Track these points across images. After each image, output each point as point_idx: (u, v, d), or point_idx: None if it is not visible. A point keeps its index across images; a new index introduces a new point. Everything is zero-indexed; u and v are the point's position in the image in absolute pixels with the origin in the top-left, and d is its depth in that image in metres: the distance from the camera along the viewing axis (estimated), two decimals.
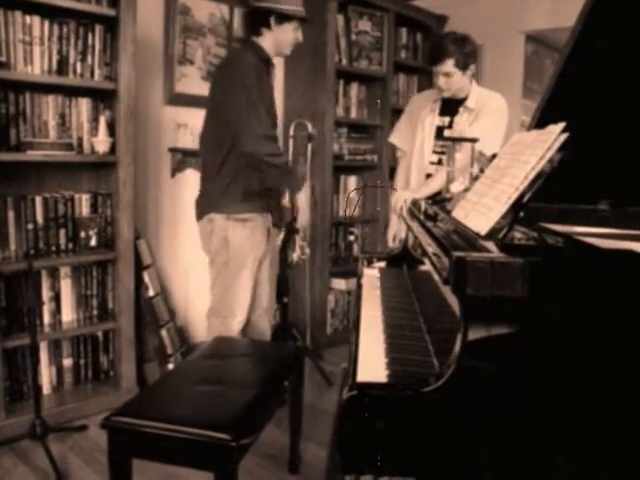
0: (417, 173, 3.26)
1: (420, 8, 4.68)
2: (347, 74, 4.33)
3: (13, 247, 2.86)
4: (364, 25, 4.36)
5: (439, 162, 3.17)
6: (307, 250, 3.93)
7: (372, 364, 1.39)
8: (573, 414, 1.14)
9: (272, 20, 2.70)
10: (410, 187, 3.29)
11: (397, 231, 3.32)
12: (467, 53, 3.02)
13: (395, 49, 4.59)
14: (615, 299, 1.13)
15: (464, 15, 4.84)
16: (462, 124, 3.10)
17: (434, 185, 3.05)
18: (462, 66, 3.01)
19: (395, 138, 3.52)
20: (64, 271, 3.07)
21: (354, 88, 4.46)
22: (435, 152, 3.19)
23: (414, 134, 3.30)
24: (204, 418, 1.82)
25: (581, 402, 1.13)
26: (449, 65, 2.99)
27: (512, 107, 4.79)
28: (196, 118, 3.70)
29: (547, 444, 1.13)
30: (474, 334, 1.12)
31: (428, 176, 3.18)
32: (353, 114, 4.47)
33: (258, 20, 2.75)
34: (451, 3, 4.84)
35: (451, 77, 3.02)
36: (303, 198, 3.02)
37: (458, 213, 1.73)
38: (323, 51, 3.98)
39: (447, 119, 3.17)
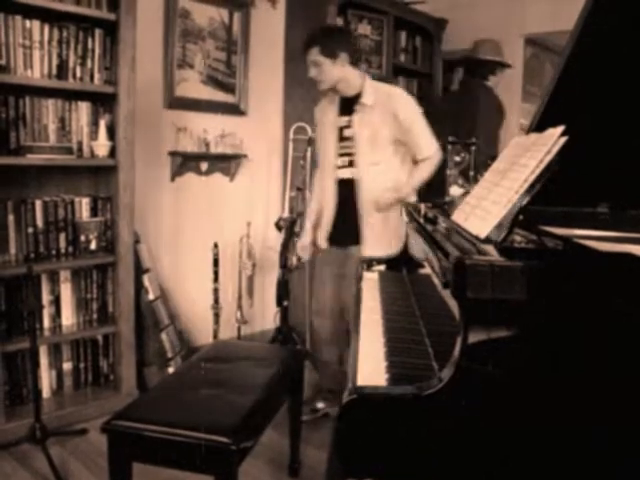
0: (328, 178, 3.04)
1: (419, 12, 4.69)
2: None
3: (13, 251, 2.86)
4: (364, 29, 4.37)
5: (350, 164, 2.97)
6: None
7: (372, 367, 1.39)
8: (574, 416, 1.14)
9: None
10: (324, 196, 3.08)
11: (304, 246, 3.18)
12: (336, 41, 2.88)
13: (395, 52, 4.61)
14: (615, 302, 1.13)
15: (463, 18, 4.85)
16: (361, 122, 2.92)
17: (415, 180, 2.97)
18: (329, 54, 2.83)
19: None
20: (64, 275, 3.07)
21: None
22: (341, 154, 2.99)
23: (320, 139, 3.14)
24: (204, 422, 1.82)
25: (582, 404, 1.13)
26: (315, 53, 2.83)
27: (511, 110, 4.82)
28: (196, 122, 3.72)
29: (549, 447, 1.13)
30: (474, 337, 1.12)
31: (341, 182, 3.00)
32: None
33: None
34: (450, 7, 4.85)
35: (319, 66, 2.85)
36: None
37: (458, 216, 1.73)
38: None
39: (346, 118, 2.97)
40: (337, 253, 3.09)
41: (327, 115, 3.03)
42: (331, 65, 2.84)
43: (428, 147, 2.93)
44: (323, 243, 3.10)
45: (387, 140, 2.90)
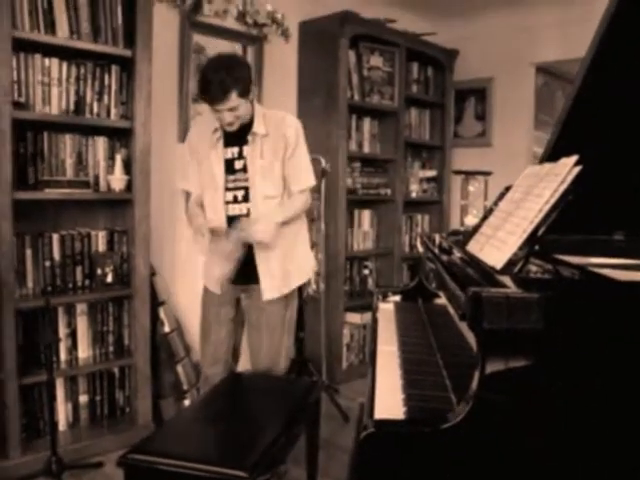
0: (213, 214, 2.70)
1: (431, 43, 4.74)
2: (360, 109, 4.38)
3: (31, 284, 2.88)
4: (376, 61, 4.42)
5: (235, 200, 2.68)
6: (322, 285, 3.93)
7: (389, 400, 1.38)
8: (594, 446, 1.12)
9: None
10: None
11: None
12: (246, 75, 2.57)
13: (406, 84, 4.64)
14: (632, 331, 1.13)
15: (474, 49, 4.89)
16: (254, 153, 2.65)
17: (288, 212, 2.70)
18: (245, 93, 2.54)
19: (184, 184, 2.84)
20: (80, 308, 3.09)
21: (367, 123, 4.50)
22: (228, 189, 2.68)
23: (200, 173, 2.75)
24: (220, 455, 1.82)
25: (602, 434, 1.12)
26: (234, 99, 2.50)
27: (523, 139, 4.83)
28: None
29: (571, 476, 1.12)
30: (491, 369, 1.12)
31: (230, 219, 2.67)
32: (366, 149, 4.51)
33: None
34: (461, 37, 4.90)
35: (237, 110, 2.54)
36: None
37: (473, 247, 1.73)
38: (335, 87, 4.03)
39: (235, 149, 2.67)
40: (233, 293, 2.80)
41: (211, 147, 2.69)
42: (245, 103, 2.57)
43: (307, 179, 2.74)
44: (216, 287, 2.76)
45: (280, 172, 2.68)
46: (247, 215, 2.67)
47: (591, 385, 1.12)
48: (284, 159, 2.68)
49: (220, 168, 2.67)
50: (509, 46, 4.73)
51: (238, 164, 2.67)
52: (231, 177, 2.68)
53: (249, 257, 2.65)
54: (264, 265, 2.68)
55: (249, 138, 2.65)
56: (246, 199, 2.67)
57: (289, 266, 2.74)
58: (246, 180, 2.66)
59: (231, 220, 2.67)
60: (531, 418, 1.12)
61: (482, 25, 4.84)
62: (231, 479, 1.73)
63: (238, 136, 2.65)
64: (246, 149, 2.66)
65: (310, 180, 2.77)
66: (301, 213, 2.79)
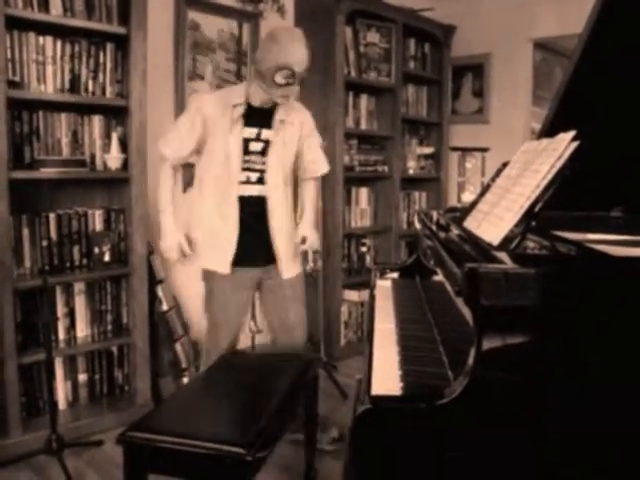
0: (223, 191, 2.64)
1: (428, 19, 4.69)
2: (356, 86, 4.35)
3: (28, 264, 2.88)
4: (372, 37, 4.38)
5: (259, 181, 2.66)
6: (319, 262, 3.93)
7: (386, 377, 1.38)
8: (591, 423, 1.13)
9: None
10: (219, 212, 2.67)
11: (171, 246, 2.73)
12: None
13: (404, 60, 4.61)
14: (630, 306, 1.13)
15: (472, 24, 4.85)
16: (279, 140, 2.66)
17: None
18: None
19: (169, 147, 2.67)
20: (78, 287, 3.09)
21: (364, 100, 4.47)
22: (244, 169, 2.63)
23: (196, 142, 2.64)
24: (219, 432, 1.82)
25: (599, 411, 1.13)
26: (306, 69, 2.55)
27: (521, 115, 4.81)
28: None
29: (567, 454, 1.12)
30: (487, 345, 1.12)
31: (245, 199, 2.64)
32: (363, 125, 4.48)
33: None
34: (459, 13, 4.85)
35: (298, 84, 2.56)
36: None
37: (470, 224, 1.73)
38: (332, 63, 4.00)
39: (254, 130, 2.62)
40: (248, 275, 2.72)
41: (232, 123, 2.59)
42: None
43: (325, 164, 2.91)
44: (225, 267, 2.66)
45: (292, 160, 2.77)
46: (259, 198, 2.67)
47: (587, 361, 1.13)
48: (300, 147, 2.76)
49: (239, 146, 2.61)
50: (507, 22, 4.69)
51: (255, 145, 2.64)
52: (245, 157, 2.63)
53: (264, 239, 2.70)
54: (282, 245, 2.73)
55: (275, 123, 2.65)
56: (260, 182, 2.67)
57: (294, 245, 2.79)
58: (263, 164, 2.65)
59: (242, 200, 2.64)
60: (527, 394, 1.13)
61: (479, 1, 4.79)
62: (229, 456, 1.74)
63: (257, 117, 2.63)
64: (268, 133, 2.65)
65: (327, 165, 2.89)
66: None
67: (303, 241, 2.76)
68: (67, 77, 2.90)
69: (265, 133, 2.64)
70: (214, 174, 2.65)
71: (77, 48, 2.92)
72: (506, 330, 1.12)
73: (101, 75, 3.00)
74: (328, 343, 4.12)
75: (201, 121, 2.60)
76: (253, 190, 2.66)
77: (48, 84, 2.85)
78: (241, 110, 2.60)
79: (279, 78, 2.48)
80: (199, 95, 2.63)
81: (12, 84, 2.69)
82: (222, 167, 2.62)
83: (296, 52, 2.48)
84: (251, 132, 2.63)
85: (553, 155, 1.40)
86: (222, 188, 2.65)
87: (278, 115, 2.66)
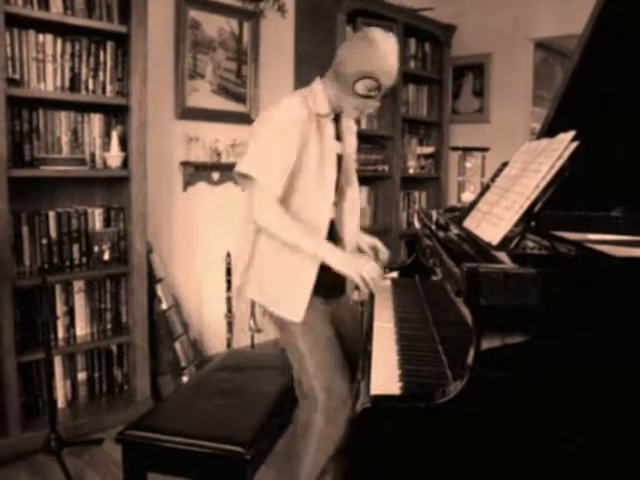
0: (318, 219, 2.12)
1: (428, 18, 4.70)
2: None
3: (28, 262, 2.88)
4: None
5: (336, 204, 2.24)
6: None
7: (385, 376, 1.38)
8: (590, 422, 1.13)
9: None
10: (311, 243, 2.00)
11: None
12: None
13: (404, 59, 4.60)
14: (629, 307, 1.13)
15: (472, 24, 4.86)
16: (347, 151, 2.31)
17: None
18: None
19: (272, 178, 2.00)
20: (78, 285, 3.09)
21: None
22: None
23: (306, 165, 2.09)
24: (218, 431, 1.83)
25: (598, 410, 1.13)
26: None
27: (521, 115, 4.81)
28: (207, 131, 3.74)
29: (566, 454, 1.12)
30: (486, 345, 1.12)
31: (332, 224, 2.21)
32: (363, 125, 4.48)
33: None
34: (459, 13, 4.86)
35: None
36: None
37: (470, 223, 1.73)
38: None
39: (338, 144, 2.23)
40: (326, 309, 2.20)
41: (323, 135, 2.13)
42: None
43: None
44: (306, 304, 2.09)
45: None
46: (333, 220, 2.23)
47: (587, 361, 1.13)
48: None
49: (333, 163, 2.16)
50: (507, 22, 4.69)
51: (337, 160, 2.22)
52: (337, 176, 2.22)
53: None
54: None
55: (343, 131, 2.26)
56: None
57: None
58: (338, 180, 2.22)
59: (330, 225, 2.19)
60: (526, 394, 1.13)
61: (480, 0, 4.79)
62: (228, 455, 1.74)
63: (338, 128, 2.23)
64: (339, 145, 2.23)
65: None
66: None
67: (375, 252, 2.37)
68: (67, 75, 2.90)
69: (339, 146, 2.24)
70: (309, 196, 2.12)
71: (77, 46, 2.92)
72: (505, 330, 1.12)
73: (101, 73, 2.99)
74: None
75: (299, 137, 2.04)
76: (333, 212, 2.24)
77: (48, 82, 2.84)
78: (330, 121, 2.18)
79: (360, 87, 2.09)
80: (287, 102, 2.07)
81: (12, 82, 2.69)
82: (314, 187, 2.11)
83: (389, 61, 2.09)
84: (339, 145, 2.23)
85: (553, 155, 1.40)
86: (318, 212, 2.13)
87: (344, 123, 2.28)
